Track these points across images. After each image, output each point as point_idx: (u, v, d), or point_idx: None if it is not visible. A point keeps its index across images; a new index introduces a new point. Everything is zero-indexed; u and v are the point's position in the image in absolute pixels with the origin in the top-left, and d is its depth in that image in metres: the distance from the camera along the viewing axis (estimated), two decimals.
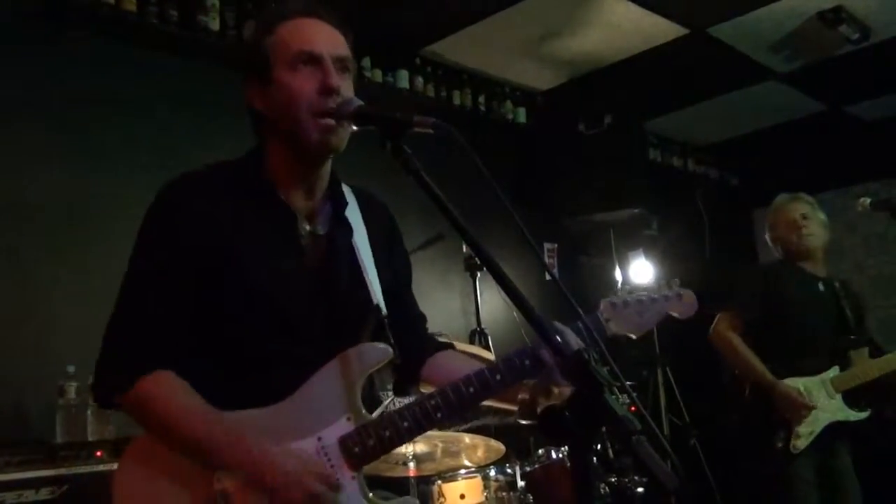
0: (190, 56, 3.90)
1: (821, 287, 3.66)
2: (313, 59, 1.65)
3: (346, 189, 1.84)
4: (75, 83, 3.62)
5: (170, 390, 1.58)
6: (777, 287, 3.67)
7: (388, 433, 1.64)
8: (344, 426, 1.65)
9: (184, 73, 3.89)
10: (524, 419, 1.72)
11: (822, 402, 3.48)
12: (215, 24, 3.94)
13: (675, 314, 1.85)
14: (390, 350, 1.73)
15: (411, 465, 3.24)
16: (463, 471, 3.41)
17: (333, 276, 1.74)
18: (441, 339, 2.04)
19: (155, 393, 1.57)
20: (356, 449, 1.63)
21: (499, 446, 3.43)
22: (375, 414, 1.68)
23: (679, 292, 1.85)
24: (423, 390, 1.91)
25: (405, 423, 1.64)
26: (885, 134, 6.48)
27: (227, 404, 1.60)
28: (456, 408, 1.66)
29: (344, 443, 1.63)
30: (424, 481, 3.36)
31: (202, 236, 1.63)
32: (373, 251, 1.81)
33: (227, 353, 1.65)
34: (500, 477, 3.50)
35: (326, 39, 1.68)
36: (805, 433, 3.44)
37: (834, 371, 3.52)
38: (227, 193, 1.68)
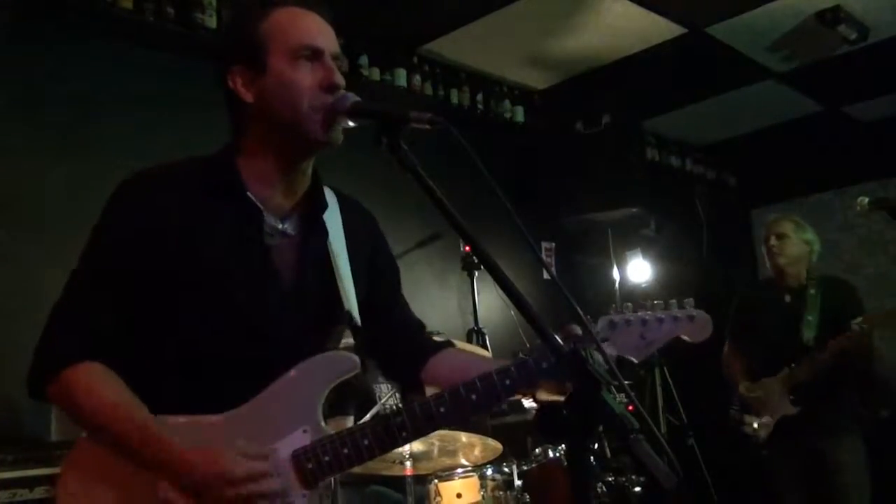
0: (187, 53, 3.90)
1: (787, 299, 4.04)
2: (314, 54, 1.60)
3: (329, 192, 1.77)
4: (72, 81, 3.61)
5: (96, 380, 1.52)
6: (745, 311, 4.23)
7: (346, 451, 1.54)
8: (299, 439, 1.55)
9: (181, 70, 3.88)
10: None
11: (776, 398, 3.88)
12: (212, 22, 3.93)
13: (685, 338, 1.69)
14: (356, 360, 1.62)
15: (408, 463, 3.24)
16: (460, 470, 3.40)
17: (300, 277, 1.66)
18: (438, 339, 1.96)
19: (80, 383, 1.51)
20: (309, 465, 1.53)
21: (496, 445, 3.42)
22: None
23: (691, 314, 1.68)
24: (425, 393, 1.82)
25: (365, 441, 1.54)
26: (883, 134, 6.48)
27: (181, 409, 1.54)
28: (422, 426, 1.57)
29: (297, 457, 1.54)
30: (421, 480, 3.36)
31: (156, 233, 1.56)
32: (350, 258, 1.73)
33: (181, 355, 1.57)
34: (497, 476, 3.49)
35: (325, 34, 1.64)
36: (763, 425, 3.92)
37: (785, 371, 3.88)
38: (189, 189, 1.60)
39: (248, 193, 1.62)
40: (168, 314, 1.57)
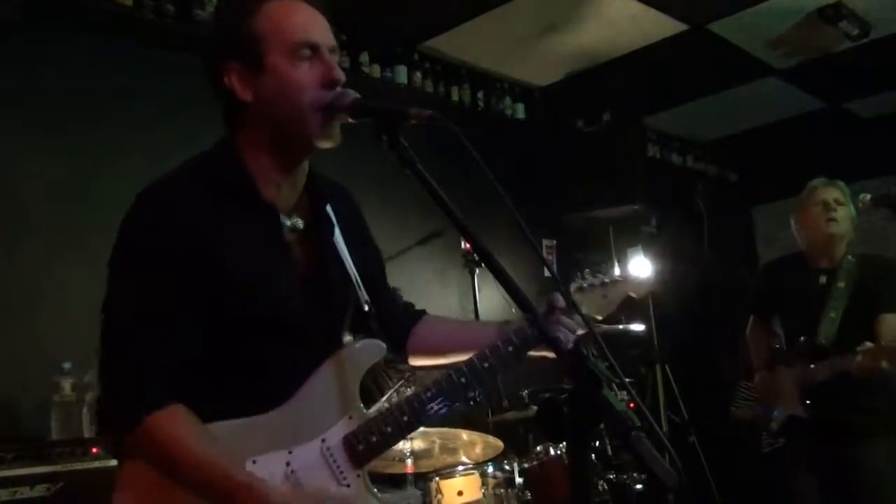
0: (187, 50, 3.89)
1: (822, 280, 3.61)
2: (312, 50, 1.58)
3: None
4: (72, 78, 3.61)
5: (183, 430, 1.48)
6: (773, 285, 3.81)
7: (389, 428, 1.65)
8: (346, 425, 1.65)
9: (181, 67, 3.87)
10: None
11: (788, 394, 3.56)
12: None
13: (633, 294, 1.97)
14: (384, 346, 1.73)
15: (409, 461, 3.24)
16: (461, 467, 3.40)
17: (321, 272, 1.68)
18: (408, 303, 2.02)
19: (167, 432, 1.47)
20: (360, 447, 1.63)
21: (497, 443, 3.43)
22: (374, 409, 1.69)
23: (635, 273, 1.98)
24: (412, 363, 1.95)
25: (405, 418, 1.66)
26: (885, 130, 6.47)
27: (227, 410, 1.54)
28: (450, 398, 1.68)
29: (348, 442, 1.63)
30: (422, 478, 3.36)
31: (189, 247, 1.52)
32: (346, 241, 1.75)
33: (224, 360, 1.57)
34: (499, 474, 3.49)
35: (322, 28, 1.61)
36: (776, 419, 3.60)
37: (799, 368, 3.54)
38: (205, 197, 1.57)
39: (262, 194, 1.61)
40: (209, 324, 1.55)
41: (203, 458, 1.47)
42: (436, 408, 1.68)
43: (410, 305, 2.01)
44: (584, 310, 1.86)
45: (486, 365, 1.71)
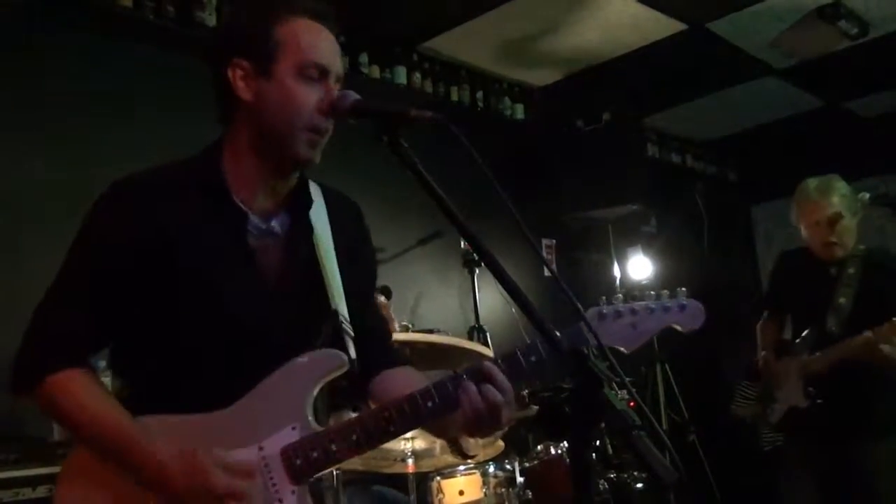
0: (187, 52, 3.89)
1: (832, 272, 3.54)
2: (321, 74, 1.60)
3: (314, 187, 1.76)
4: (71, 79, 3.61)
5: (78, 388, 1.54)
6: (785, 274, 3.80)
7: (334, 446, 1.54)
8: (288, 436, 1.56)
9: (181, 69, 3.88)
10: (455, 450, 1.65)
11: (790, 383, 3.53)
12: (212, 20, 3.92)
13: (677, 327, 1.68)
14: (345, 358, 1.63)
15: (410, 461, 3.24)
16: (462, 467, 3.40)
17: (287, 276, 1.66)
18: (401, 355, 1.93)
19: (62, 390, 1.54)
20: (298, 461, 1.54)
21: (498, 442, 3.43)
22: (332, 425, 1.60)
23: (683, 303, 1.67)
24: (371, 405, 1.78)
25: (354, 437, 1.54)
26: (884, 130, 6.48)
27: (173, 409, 1.55)
28: (411, 421, 1.56)
29: (286, 454, 1.55)
30: (423, 478, 3.36)
31: (141, 238, 1.56)
32: (337, 252, 1.72)
33: (171, 356, 1.58)
34: (500, 473, 3.49)
35: (336, 56, 1.64)
36: (776, 410, 3.59)
37: (804, 357, 3.51)
38: (173, 193, 1.60)
39: (233, 195, 1.61)
40: (156, 317, 1.58)
41: (94, 412, 1.52)
42: (392, 430, 1.55)
43: (400, 352, 1.93)
44: (602, 340, 1.56)
45: (449, 388, 1.56)
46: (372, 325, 1.84)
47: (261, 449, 1.55)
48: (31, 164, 3.44)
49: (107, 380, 3.10)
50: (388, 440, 1.59)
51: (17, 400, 1.60)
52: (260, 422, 1.56)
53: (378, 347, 1.84)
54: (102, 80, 3.70)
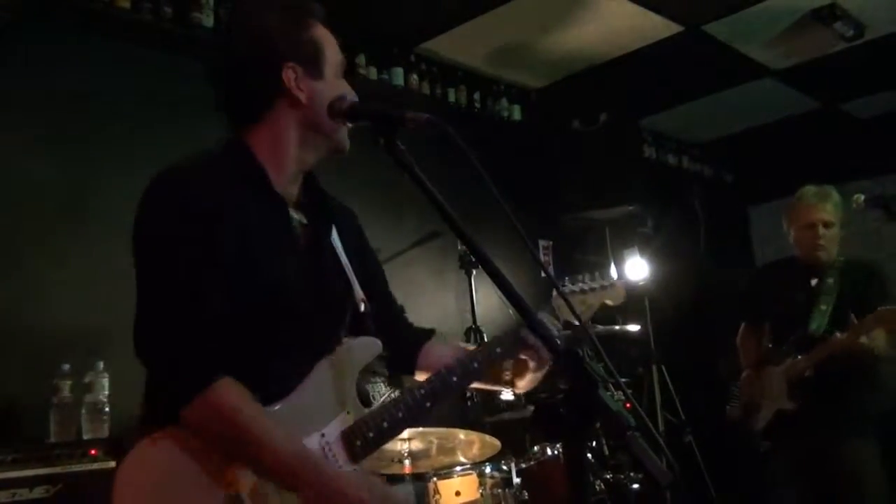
0: (184, 53, 3.89)
1: (813, 282, 3.68)
2: (342, 70, 1.75)
3: None
4: (70, 80, 3.61)
5: (240, 400, 1.49)
6: (764, 287, 3.92)
7: (385, 424, 1.69)
8: (344, 420, 1.68)
9: (178, 70, 3.88)
10: (510, 388, 1.90)
11: (776, 390, 3.64)
12: (209, 21, 3.93)
13: (609, 302, 2.07)
14: (380, 344, 1.78)
15: (406, 462, 3.25)
16: (458, 468, 3.41)
17: (321, 265, 1.74)
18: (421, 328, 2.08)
19: (227, 401, 1.47)
20: (357, 442, 1.66)
21: (494, 443, 3.43)
22: (376, 406, 1.72)
23: (612, 282, 2.07)
24: (417, 378, 1.97)
25: (399, 414, 1.70)
26: (880, 131, 6.49)
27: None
28: (442, 395, 1.75)
29: (346, 437, 1.66)
30: (420, 478, 3.36)
31: (214, 227, 1.54)
32: (344, 247, 1.82)
33: (237, 344, 1.55)
34: (496, 474, 3.50)
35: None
36: (762, 416, 3.69)
37: (788, 362, 3.62)
38: (222, 182, 1.60)
39: (274, 186, 1.68)
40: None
41: (266, 430, 1.50)
42: (428, 405, 1.73)
43: (425, 328, 2.06)
44: (561, 314, 1.93)
45: (476, 365, 1.81)
46: (400, 309, 2.03)
47: (322, 436, 1.64)
48: (32, 164, 3.44)
49: (105, 380, 3.16)
50: (424, 417, 1.75)
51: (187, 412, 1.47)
52: (317, 410, 1.65)
53: (410, 327, 2.02)
54: (102, 81, 3.70)
